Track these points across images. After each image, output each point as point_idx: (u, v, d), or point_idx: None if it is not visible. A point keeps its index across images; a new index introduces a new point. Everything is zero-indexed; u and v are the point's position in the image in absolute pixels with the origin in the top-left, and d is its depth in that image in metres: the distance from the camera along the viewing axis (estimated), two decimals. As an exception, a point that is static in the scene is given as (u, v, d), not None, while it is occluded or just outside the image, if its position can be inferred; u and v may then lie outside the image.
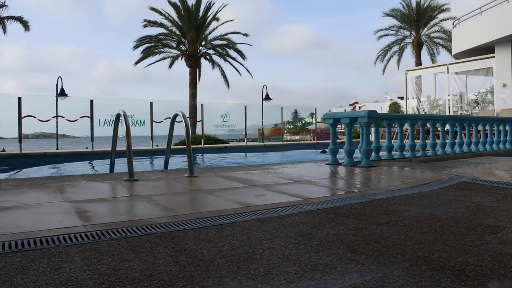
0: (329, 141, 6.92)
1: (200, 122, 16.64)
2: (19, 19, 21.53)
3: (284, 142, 20.08)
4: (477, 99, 19.31)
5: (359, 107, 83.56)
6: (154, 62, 23.77)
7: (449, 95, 18.49)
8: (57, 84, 15.19)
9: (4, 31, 21.43)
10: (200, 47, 23.77)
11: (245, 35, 23.30)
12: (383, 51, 28.44)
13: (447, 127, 8.77)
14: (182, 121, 5.47)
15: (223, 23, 23.35)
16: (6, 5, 21.08)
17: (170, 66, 24.26)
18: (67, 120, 13.91)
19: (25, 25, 21.60)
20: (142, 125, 14.71)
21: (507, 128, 9.56)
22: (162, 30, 23.42)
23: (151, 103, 14.82)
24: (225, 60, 23.82)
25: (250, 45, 24.11)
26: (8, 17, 21.29)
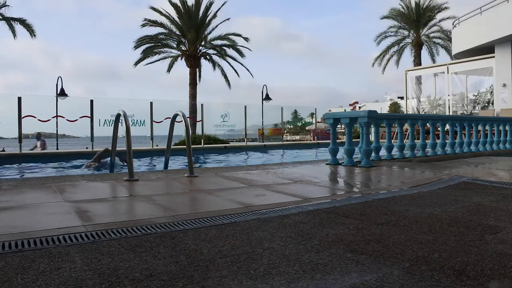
0: (329, 141, 6.92)
1: (200, 122, 16.64)
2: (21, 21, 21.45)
3: (284, 142, 20.08)
4: (477, 99, 19.31)
5: (359, 107, 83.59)
6: (153, 61, 23.81)
7: (449, 95, 18.49)
8: (57, 84, 15.20)
9: None
10: (200, 47, 23.78)
11: (246, 39, 23.30)
12: (383, 52, 28.43)
13: (447, 127, 8.77)
14: (182, 121, 5.47)
15: (222, 22, 23.40)
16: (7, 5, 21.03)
17: (169, 70, 24.27)
18: (67, 120, 13.92)
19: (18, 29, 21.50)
20: (142, 125, 14.71)
21: (507, 128, 9.56)
22: (161, 29, 23.46)
23: (151, 103, 14.82)
24: (225, 59, 23.86)
25: (250, 49, 24.04)
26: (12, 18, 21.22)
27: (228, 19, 23.46)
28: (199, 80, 23.80)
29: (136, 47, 22.91)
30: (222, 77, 24.27)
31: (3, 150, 12.64)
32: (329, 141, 6.92)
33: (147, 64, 23.73)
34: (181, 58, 23.93)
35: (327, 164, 6.37)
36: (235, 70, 23.92)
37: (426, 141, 7.75)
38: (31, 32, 21.59)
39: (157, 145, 14.27)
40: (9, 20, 21.03)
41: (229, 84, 24.45)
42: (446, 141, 8.00)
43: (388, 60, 28.51)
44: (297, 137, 31.44)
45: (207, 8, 23.09)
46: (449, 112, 18.36)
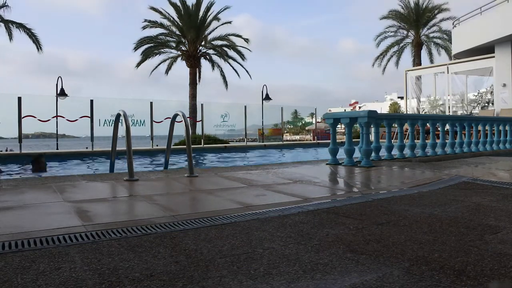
0: (329, 141, 6.92)
1: (200, 122, 16.65)
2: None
3: (284, 142, 20.09)
4: (477, 99, 19.32)
5: (359, 107, 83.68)
6: (157, 66, 23.91)
7: (449, 95, 18.49)
8: (57, 84, 15.20)
9: None
10: (200, 47, 23.78)
11: (246, 40, 23.30)
12: (382, 52, 28.43)
13: (447, 127, 8.77)
14: (182, 121, 5.47)
15: (222, 24, 23.45)
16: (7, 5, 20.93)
17: (167, 71, 24.28)
18: (67, 120, 13.92)
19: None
20: (142, 125, 14.73)
21: (507, 128, 9.55)
22: (162, 30, 23.49)
23: (151, 103, 14.83)
24: (225, 60, 23.87)
25: (250, 50, 24.03)
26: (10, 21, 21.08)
27: (230, 22, 23.51)
28: (199, 80, 23.80)
29: (135, 48, 22.94)
30: (220, 77, 24.31)
31: (7, 150, 12.66)
32: (329, 141, 6.92)
33: (153, 70, 23.95)
34: (181, 58, 23.95)
35: (327, 164, 6.37)
36: (235, 70, 23.95)
37: (426, 141, 7.74)
38: (38, 44, 21.10)
39: (157, 145, 14.28)
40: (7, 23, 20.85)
41: (226, 85, 24.47)
42: (446, 141, 8.00)
43: (388, 60, 28.52)
44: (297, 137, 31.42)
45: (208, 8, 23.12)
46: (449, 112, 18.36)
